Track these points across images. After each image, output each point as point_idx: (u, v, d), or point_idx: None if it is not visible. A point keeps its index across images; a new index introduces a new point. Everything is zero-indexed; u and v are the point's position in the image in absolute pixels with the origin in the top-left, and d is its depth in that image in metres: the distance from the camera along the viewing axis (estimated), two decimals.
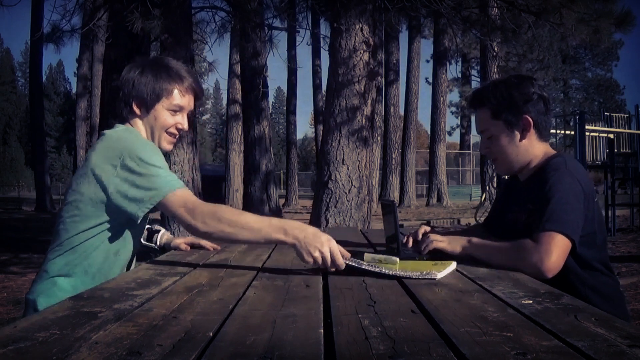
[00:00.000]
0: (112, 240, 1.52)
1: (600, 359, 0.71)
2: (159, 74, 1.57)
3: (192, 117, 1.68)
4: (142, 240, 1.79)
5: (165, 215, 6.74)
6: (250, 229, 1.37)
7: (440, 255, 1.55)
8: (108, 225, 1.49)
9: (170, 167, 6.56)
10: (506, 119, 1.64)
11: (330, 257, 1.32)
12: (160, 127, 1.60)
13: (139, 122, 1.60)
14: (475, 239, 1.55)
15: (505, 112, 1.64)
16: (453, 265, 1.40)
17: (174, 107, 1.60)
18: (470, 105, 1.79)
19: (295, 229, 1.35)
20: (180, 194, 1.42)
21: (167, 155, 7.17)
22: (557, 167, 1.55)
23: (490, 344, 0.77)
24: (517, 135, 1.64)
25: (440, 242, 1.56)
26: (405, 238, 1.72)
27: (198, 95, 1.66)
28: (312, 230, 1.36)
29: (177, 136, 1.64)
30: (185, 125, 1.63)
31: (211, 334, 0.82)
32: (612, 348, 0.75)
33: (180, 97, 1.60)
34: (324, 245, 1.32)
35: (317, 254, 1.31)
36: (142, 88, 1.56)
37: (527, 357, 0.71)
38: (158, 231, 1.91)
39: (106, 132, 1.55)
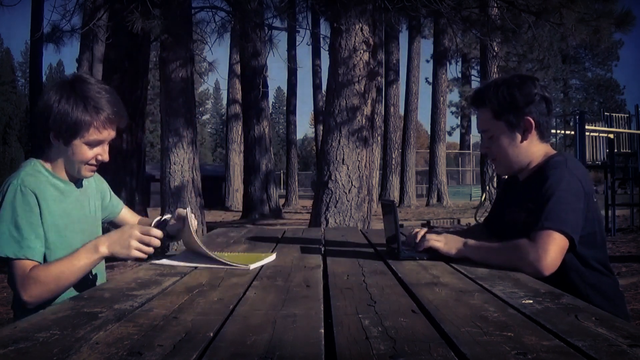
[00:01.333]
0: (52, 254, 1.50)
1: (601, 359, 0.71)
2: (77, 106, 1.48)
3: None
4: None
5: (165, 204, 6.73)
6: (64, 272, 1.40)
7: (438, 256, 1.55)
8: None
9: (170, 167, 6.53)
10: (507, 120, 1.63)
11: (145, 243, 1.45)
12: (79, 160, 1.54)
13: (55, 152, 1.54)
14: (471, 240, 1.55)
15: (507, 113, 1.63)
16: (271, 257, 1.59)
17: (93, 142, 1.53)
18: (471, 104, 1.78)
19: (101, 243, 1.44)
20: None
21: (167, 155, 7.05)
22: (557, 166, 1.55)
23: (491, 344, 0.77)
24: (519, 136, 1.64)
25: (437, 242, 1.56)
26: (405, 238, 1.72)
27: (120, 124, 1.58)
28: (113, 233, 1.47)
29: (98, 165, 1.59)
30: (106, 156, 1.57)
31: (212, 334, 0.82)
32: (612, 348, 0.75)
33: (96, 132, 1.52)
34: (132, 238, 1.43)
35: (133, 251, 1.43)
36: (59, 120, 1.48)
37: (528, 357, 0.71)
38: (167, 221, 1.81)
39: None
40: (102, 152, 1.56)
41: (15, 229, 1.40)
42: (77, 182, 1.63)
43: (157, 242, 1.47)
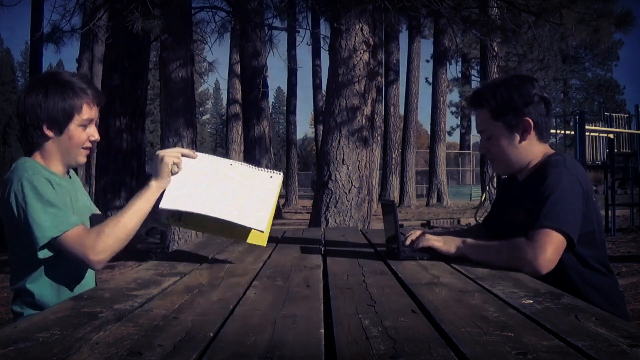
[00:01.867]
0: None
1: (601, 359, 0.71)
2: (64, 92, 1.55)
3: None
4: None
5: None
6: (124, 216, 1.46)
7: (438, 256, 1.55)
8: None
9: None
10: (506, 121, 1.63)
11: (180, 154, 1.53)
12: (76, 144, 1.59)
13: (50, 145, 1.57)
14: (469, 240, 1.55)
15: (505, 114, 1.62)
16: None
17: (85, 122, 1.59)
18: (470, 104, 1.78)
19: (149, 185, 1.50)
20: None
21: None
22: (556, 165, 1.54)
23: (491, 344, 0.77)
24: (517, 137, 1.63)
25: (436, 241, 1.57)
26: (405, 239, 1.72)
27: (100, 102, 1.65)
28: (150, 166, 1.55)
29: (91, 147, 1.65)
30: (97, 135, 1.63)
31: (212, 334, 0.82)
32: (612, 348, 0.75)
33: (89, 110, 1.59)
34: (168, 156, 1.51)
35: (172, 167, 1.50)
36: (52, 110, 1.53)
37: (528, 357, 0.71)
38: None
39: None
40: (94, 132, 1.62)
41: (52, 208, 1.42)
42: (67, 176, 1.66)
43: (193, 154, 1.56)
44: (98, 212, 1.77)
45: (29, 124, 1.55)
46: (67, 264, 1.51)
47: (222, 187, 1.52)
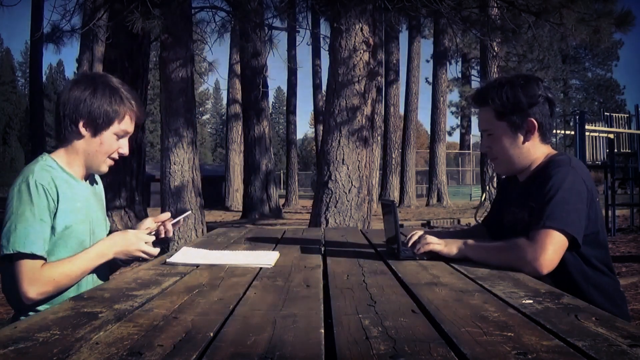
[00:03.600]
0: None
1: (601, 359, 0.71)
2: (112, 96, 1.54)
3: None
4: None
5: (165, 204, 6.72)
6: (74, 271, 1.46)
7: (438, 256, 1.55)
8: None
9: (170, 167, 6.52)
10: (510, 121, 1.61)
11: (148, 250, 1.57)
12: (105, 152, 1.57)
13: (79, 144, 1.56)
14: (470, 241, 1.55)
15: (510, 114, 1.61)
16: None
17: (121, 133, 1.58)
18: (473, 102, 1.76)
19: (107, 248, 1.53)
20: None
21: (167, 155, 7.06)
22: (561, 165, 1.53)
23: (491, 344, 0.77)
24: (521, 137, 1.62)
25: (437, 244, 1.56)
26: (408, 240, 1.71)
27: (140, 119, 1.65)
28: (118, 238, 1.55)
29: (116, 160, 1.64)
30: (127, 150, 1.62)
31: (212, 334, 0.82)
32: (612, 348, 0.75)
33: (129, 122, 1.59)
34: (140, 244, 1.55)
35: (141, 254, 1.56)
36: (95, 109, 1.52)
37: (528, 356, 0.71)
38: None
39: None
40: (125, 145, 1.62)
41: (23, 225, 1.41)
42: (87, 181, 1.64)
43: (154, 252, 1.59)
44: (108, 225, 1.75)
45: (66, 116, 1.53)
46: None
47: (228, 254, 1.71)
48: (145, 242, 1.57)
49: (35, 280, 1.39)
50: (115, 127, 1.56)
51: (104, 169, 1.61)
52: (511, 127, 1.62)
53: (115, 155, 1.60)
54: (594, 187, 1.58)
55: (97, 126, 1.54)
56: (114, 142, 1.57)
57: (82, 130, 1.53)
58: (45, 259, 1.43)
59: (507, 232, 1.58)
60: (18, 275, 1.39)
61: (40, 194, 1.44)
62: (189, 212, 1.73)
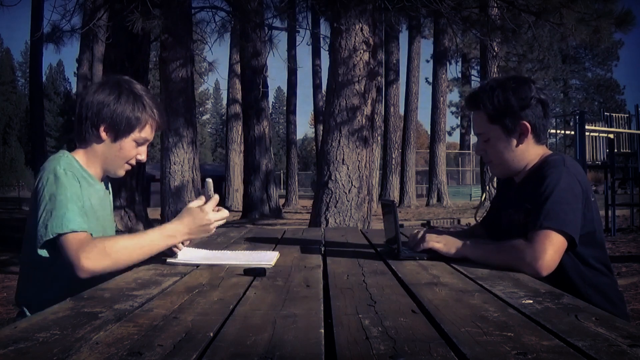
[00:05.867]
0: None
1: (601, 359, 0.71)
2: (135, 103, 1.54)
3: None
4: None
5: (165, 214, 6.74)
6: (141, 248, 1.42)
7: (438, 256, 1.55)
8: None
9: (170, 167, 6.56)
10: (503, 124, 1.61)
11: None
12: (123, 157, 1.57)
13: (98, 147, 1.55)
14: (470, 240, 1.55)
15: (502, 118, 1.60)
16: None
17: (141, 140, 1.58)
18: (467, 106, 1.77)
19: (174, 229, 1.47)
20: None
21: (167, 154, 7.08)
22: (555, 165, 1.54)
23: (491, 344, 0.77)
24: (514, 140, 1.62)
25: (437, 242, 1.56)
26: (407, 239, 1.72)
27: (161, 128, 1.65)
28: (186, 218, 1.48)
29: (133, 166, 1.63)
30: (145, 157, 1.62)
31: (212, 334, 0.82)
32: (612, 348, 0.75)
33: (150, 131, 1.58)
34: (211, 223, 1.49)
35: (213, 226, 1.50)
36: (117, 115, 1.52)
37: (528, 356, 0.71)
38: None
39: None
40: (143, 153, 1.61)
41: (58, 207, 1.38)
42: (102, 183, 1.65)
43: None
44: (114, 230, 1.75)
45: (88, 119, 1.52)
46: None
47: (228, 254, 1.70)
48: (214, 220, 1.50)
49: (85, 250, 1.33)
50: (136, 135, 1.56)
51: (121, 173, 1.61)
52: (504, 130, 1.62)
53: (133, 162, 1.60)
54: (589, 187, 1.58)
55: (118, 132, 1.53)
56: (133, 148, 1.57)
57: (103, 134, 1.53)
58: (88, 233, 1.39)
59: (504, 233, 1.58)
60: (66, 252, 1.34)
61: (70, 179, 1.44)
62: (209, 180, 1.69)
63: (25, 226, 1.50)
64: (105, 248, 1.36)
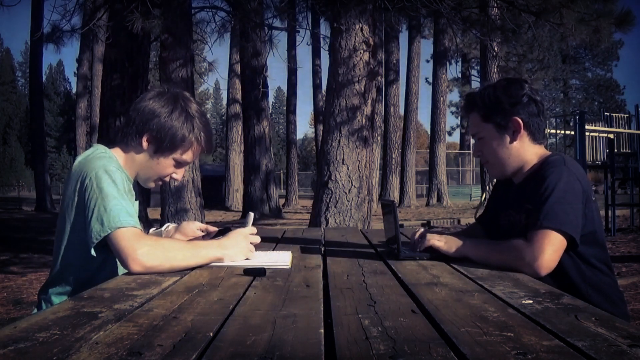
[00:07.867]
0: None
1: (601, 359, 0.71)
2: (186, 123, 1.50)
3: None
4: None
5: (165, 214, 6.74)
6: (193, 256, 1.40)
7: (438, 256, 1.55)
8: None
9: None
10: (496, 122, 1.63)
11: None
12: (158, 172, 1.54)
13: (136, 154, 1.53)
14: (470, 240, 1.56)
15: (494, 115, 1.63)
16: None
17: (181, 161, 1.54)
18: (463, 109, 1.79)
19: (216, 251, 1.45)
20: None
21: None
22: (555, 165, 1.54)
23: (491, 344, 0.77)
24: (507, 137, 1.63)
25: (437, 241, 1.57)
26: (407, 239, 1.72)
27: (205, 152, 1.61)
28: (229, 242, 1.48)
29: (165, 182, 1.61)
30: (180, 177, 1.59)
31: (211, 334, 0.82)
32: (612, 348, 0.75)
33: (192, 154, 1.55)
34: (245, 249, 1.50)
35: (247, 254, 1.50)
36: (165, 130, 1.48)
37: (528, 357, 0.71)
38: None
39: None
40: (179, 173, 1.58)
41: (113, 203, 1.35)
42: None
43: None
44: None
45: (135, 123, 1.50)
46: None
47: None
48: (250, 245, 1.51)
49: (142, 244, 1.31)
50: (177, 155, 1.53)
51: (150, 185, 1.59)
52: (497, 128, 1.64)
53: (167, 179, 1.58)
54: (590, 186, 1.58)
55: (160, 146, 1.51)
56: (170, 167, 1.54)
57: (145, 144, 1.51)
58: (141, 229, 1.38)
59: (504, 234, 1.59)
60: (122, 245, 1.31)
61: (119, 176, 1.42)
62: (251, 213, 1.69)
63: (57, 226, 1.47)
64: (162, 246, 1.35)
